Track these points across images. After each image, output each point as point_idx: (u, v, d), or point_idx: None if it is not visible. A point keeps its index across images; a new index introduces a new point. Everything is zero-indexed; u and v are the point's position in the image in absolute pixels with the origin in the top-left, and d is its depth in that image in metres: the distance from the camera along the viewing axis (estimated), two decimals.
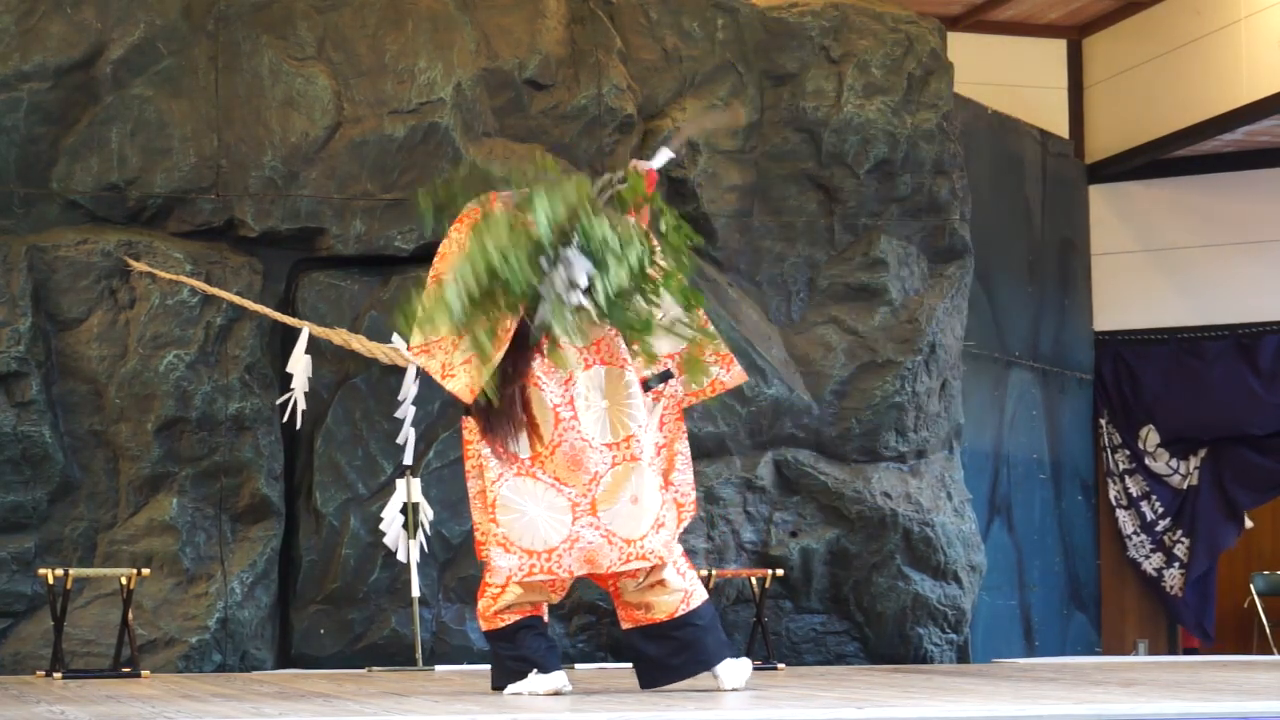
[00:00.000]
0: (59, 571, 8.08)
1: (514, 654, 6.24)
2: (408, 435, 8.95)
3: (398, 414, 8.97)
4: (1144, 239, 12.81)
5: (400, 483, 8.88)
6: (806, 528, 9.71)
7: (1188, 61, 12.05)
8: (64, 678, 7.85)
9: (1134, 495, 12.79)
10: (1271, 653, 12.93)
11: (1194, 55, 12.00)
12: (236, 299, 8.89)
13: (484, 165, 8.83)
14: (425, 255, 9.17)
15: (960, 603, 9.94)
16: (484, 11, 9.48)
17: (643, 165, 6.39)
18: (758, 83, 9.92)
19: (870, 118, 9.93)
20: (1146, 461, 12.75)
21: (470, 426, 6.26)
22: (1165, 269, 12.77)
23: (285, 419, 8.89)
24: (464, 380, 6.12)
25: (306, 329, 8.93)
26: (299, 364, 8.87)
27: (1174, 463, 12.74)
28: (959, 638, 10.01)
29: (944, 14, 11.94)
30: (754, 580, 9.13)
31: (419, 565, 8.85)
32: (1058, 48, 12.95)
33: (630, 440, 6.19)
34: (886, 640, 9.78)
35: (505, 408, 6.12)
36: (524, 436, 6.16)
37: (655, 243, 6.23)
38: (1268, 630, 13.16)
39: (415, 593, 8.83)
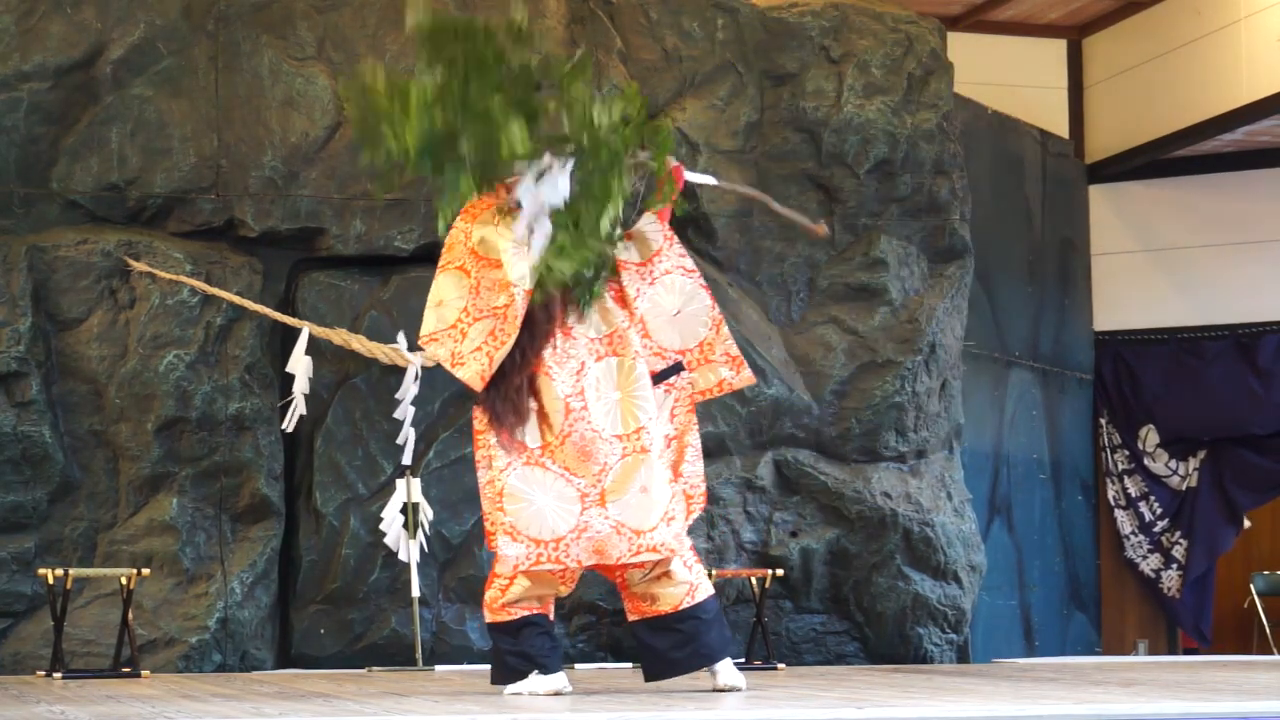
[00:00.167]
0: (59, 571, 8.08)
1: (515, 650, 6.22)
2: (407, 435, 8.95)
3: (397, 414, 8.97)
4: (1144, 239, 12.81)
5: (400, 483, 8.88)
6: (806, 528, 9.71)
7: (1187, 61, 12.05)
8: (64, 678, 7.85)
9: (1132, 496, 12.79)
10: (1271, 653, 12.93)
11: (1194, 55, 12.00)
12: (236, 299, 8.89)
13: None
14: (425, 255, 9.21)
15: (960, 603, 9.94)
16: (484, 11, 9.46)
17: (674, 161, 6.48)
18: (758, 83, 9.92)
19: (870, 118, 9.93)
20: (1145, 462, 12.75)
21: (480, 415, 6.26)
22: (1165, 269, 12.77)
23: (284, 424, 8.88)
24: (474, 368, 6.13)
25: (306, 329, 8.93)
26: (299, 365, 8.87)
27: (1173, 464, 12.74)
28: (959, 638, 10.01)
29: (944, 14, 11.94)
30: (754, 580, 9.13)
31: (419, 565, 8.85)
32: (1058, 48, 12.96)
33: (640, 432, 6.19)
34: (886, 640, 9.78)
35: (512, 396, 6.13)
36: (531, 426, 6.17)
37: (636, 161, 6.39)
38: (1268, 630, 13.16)
39: (415, 593, 8.83)
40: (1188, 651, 12.74)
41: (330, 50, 9.26)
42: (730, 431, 9.58)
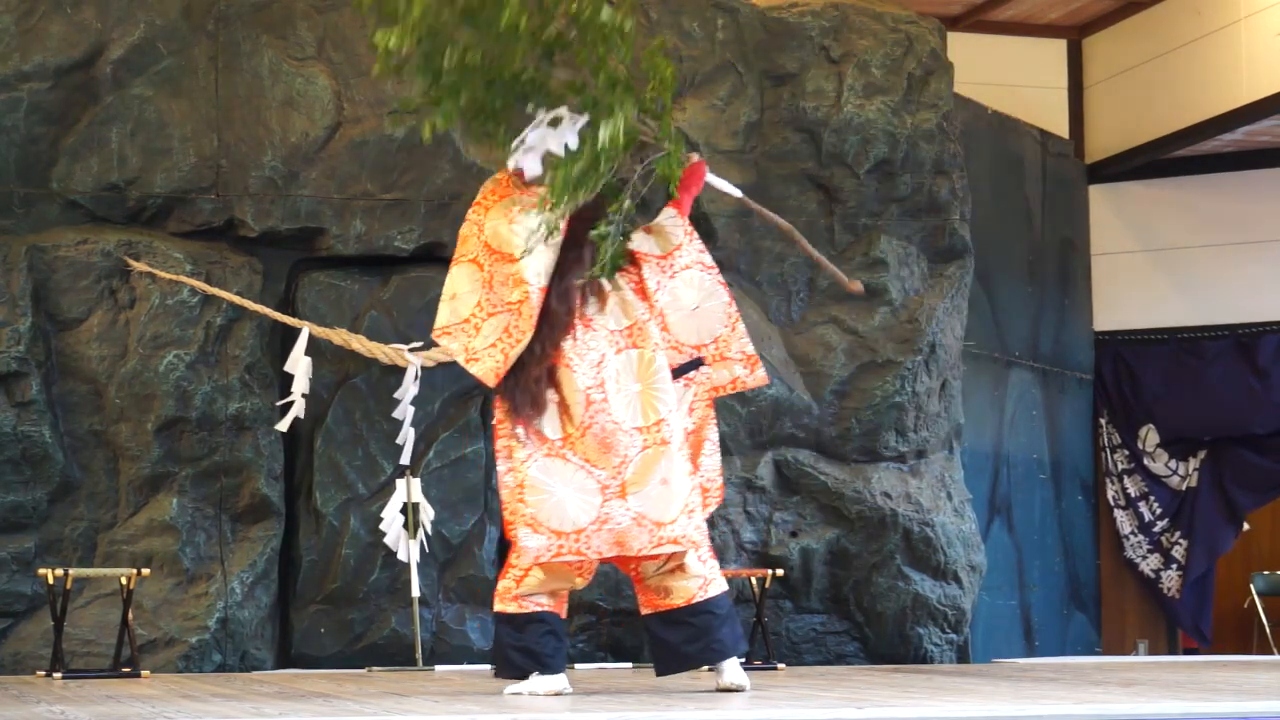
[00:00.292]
0: (59, 571, 8.08)
1: (518, 645, 6.20)
2: (407, 435, 8.95)
3: (396, 414, 8.97)
4: (1144, 239, 12.81)
5: (400, 483, 8.88)
6: (806, 528, 9.71)
7: (1187, 61, 12.05)
8: (64, 678, 7.85)
9: (1132, 496, 12.79)
10: (1271, 653, 12.92)
11: (1194, 55, 12.00)
12: (236, 299, 8.89)
13: None
14: (425, 255, 9.23)
15: (960, 603, 9.94)
16: None
17: (696, 157, 6.50)
18: (758, 83, 9.92)
19: (870, 118, 9.93)
20: (1145, 462, 12.75)
21: (500, 405, 6.25)
22: (1165, 269, 12.77)
23: (279, 425, 8.88)
24: (489, 365, 6.13)
25: (306, 329, 8.93)
26: (299, 365, 8.87)
27: (1173, 464, 12.73)
28: (959, 638, 10.00)
29: (944, 14, 11.94)
30: (754, 580, 9.13)
31: (419, 565, 8.85)
32: (1058, 48, 12.95)
33: (660, 424, 6.19)
34: (886, 640, 9.77)
35: (530, 387, 6.13)
36: (552, 417, 6.16)
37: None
38: (1268, 630, 13.16)
39: (415, 593, 8.83)
40: (1188, 651, 12.74)
41: (330, 50, 9.26)
42: (730, 431, 9.57)
